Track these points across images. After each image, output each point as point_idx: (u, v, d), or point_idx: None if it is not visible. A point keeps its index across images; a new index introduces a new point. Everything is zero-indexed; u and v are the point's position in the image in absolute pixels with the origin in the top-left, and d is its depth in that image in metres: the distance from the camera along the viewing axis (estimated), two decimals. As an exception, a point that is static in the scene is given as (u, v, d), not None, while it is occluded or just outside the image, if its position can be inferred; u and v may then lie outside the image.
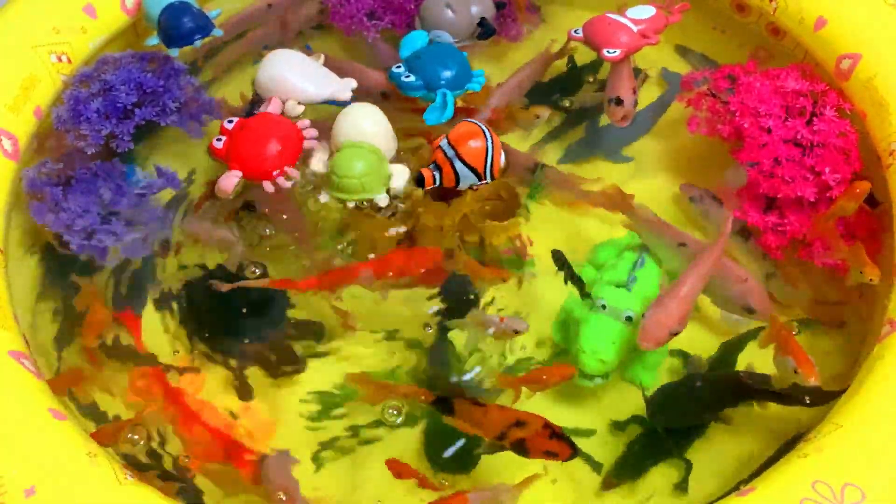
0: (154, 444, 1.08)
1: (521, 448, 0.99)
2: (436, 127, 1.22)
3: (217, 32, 1.27)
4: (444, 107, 1.18)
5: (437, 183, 1.13)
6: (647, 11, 1.27)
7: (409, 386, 1.09)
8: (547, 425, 0.99)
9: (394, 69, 1.23)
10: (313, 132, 1.21)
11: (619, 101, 1.24)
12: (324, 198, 1.16)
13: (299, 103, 1.23)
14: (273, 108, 1.21)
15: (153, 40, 1.26)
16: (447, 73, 1.22)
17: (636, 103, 1.26)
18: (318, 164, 1.18)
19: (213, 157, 1.18)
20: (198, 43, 1.25)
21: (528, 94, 1.37)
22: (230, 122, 1.19)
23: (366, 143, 1.14)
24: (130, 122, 1.19)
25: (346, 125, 1.16)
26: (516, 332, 1.09)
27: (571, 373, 1.07)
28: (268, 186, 1.15)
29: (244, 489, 1.05)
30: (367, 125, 1.16)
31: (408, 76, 1.22)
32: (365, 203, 1.15)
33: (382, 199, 1.15)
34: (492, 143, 1.12)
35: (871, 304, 1.10)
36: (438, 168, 1.12)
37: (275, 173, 1.16)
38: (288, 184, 1.16)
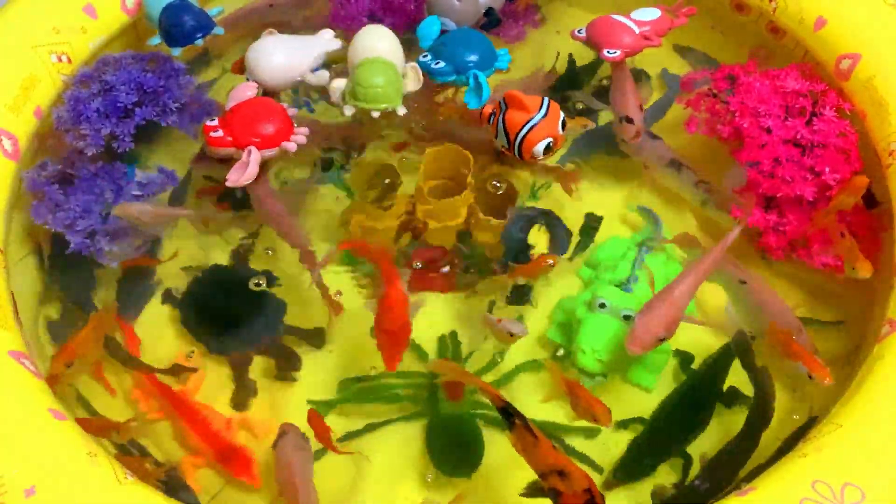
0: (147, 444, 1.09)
1: (555, 499, 0.91)
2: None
3: (218, 31, 1.28)
4: (480, 88, 1.20)
5: (489, 123, 1.19)
6: (651, 14, 1.27)
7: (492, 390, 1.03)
8: (588, 490, 0.89)
9: (421, 59, 1.25)
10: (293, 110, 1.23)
11: (629, 120, 1.24)
12: (348, 110, 1.21)
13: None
14: (246, 92, 1.22)
15: (155, 40, 1.26)
16: (475, 56, 1.24)
17: (645, 118, 1.26)
18: (338, 86, 1.23)
19: (210, 152, 1.18)
20: (199, 42, 1.25)
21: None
22: (212, 119, 1.18)
23: (382, 59, 1.20)
24: (131, 122, 1.19)
25: (363, 46, 1.22)
26: (511, 335, 1.08)
27: (609, 418, 1.02)
28: (289, 146, 1.16)
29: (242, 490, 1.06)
30: (382, 45, 1.22)
31: (438, 63, 1.24)
32: (389, 109, 1.20)
33: (401, 110, 1.21)
34: (535, 123, 1.14)
35: (871, 304, 1.10)
36: (494, 113, 1.18)
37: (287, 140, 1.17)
38: (304, 140, 1.18)
